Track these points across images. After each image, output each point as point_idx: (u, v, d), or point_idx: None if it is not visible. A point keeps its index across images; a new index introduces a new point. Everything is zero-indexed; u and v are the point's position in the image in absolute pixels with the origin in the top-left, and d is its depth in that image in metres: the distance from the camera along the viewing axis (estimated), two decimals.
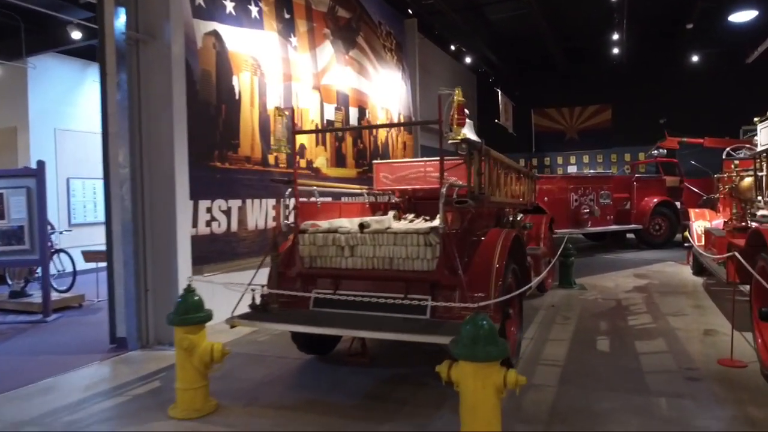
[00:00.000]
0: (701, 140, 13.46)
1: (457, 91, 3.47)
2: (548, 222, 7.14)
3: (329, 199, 6.81)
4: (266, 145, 6.64)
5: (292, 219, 3.98)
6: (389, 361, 4.51)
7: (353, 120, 9.00)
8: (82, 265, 7.97)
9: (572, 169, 18.32)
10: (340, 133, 8.51)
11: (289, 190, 4.05)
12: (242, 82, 6.32)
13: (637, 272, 9.01)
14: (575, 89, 18.06)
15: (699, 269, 8.35)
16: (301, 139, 7.44)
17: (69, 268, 7.94)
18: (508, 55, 17.12)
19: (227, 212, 6.05)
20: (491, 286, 3.61)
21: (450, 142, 3.42)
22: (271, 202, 6.66)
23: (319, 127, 7.88)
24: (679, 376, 4.03)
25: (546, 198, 10.82)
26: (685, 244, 8.68)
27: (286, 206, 4.11)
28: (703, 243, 7.89)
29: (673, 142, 13.91)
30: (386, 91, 10.40)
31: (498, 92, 13.87)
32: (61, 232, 8.66)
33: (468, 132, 5.63)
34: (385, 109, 10.29)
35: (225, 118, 6.00)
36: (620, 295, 7.16)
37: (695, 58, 16.33)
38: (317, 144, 7.86)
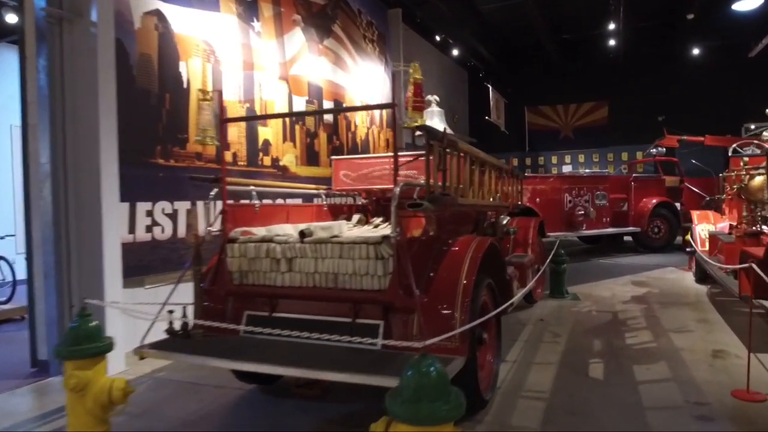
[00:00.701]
0: (702, 139, 12.95)
1: (413, 68, 2.78)
2: (537, 226, 6.45)
3: (282, 201, 6.15)
4: (223, 141, 5.93)
5: (219, 225, 3.29)
6: (344, 394, 3.81)
7: (327, 116, 8.31)
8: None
9: (567, 169, 17.65)
10: (312, 129, 7.81)
11: (215, 190, 3.35)
12: (192, 70, 5.62)
13: (635, 279, 8.33)
14: (570, 85, 17.40)
15: (702, 276, 7.68)
16: (265, 134, 6.74)
17: (9, 278, 7.22)
18: (500, 50, 16.47)
19: (173, 216, 5.34)
20: (456, 309, 2.92)
21: (404, 128, 2.73)
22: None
23: (286, 121, 7.18)
24: (687, 414, 3.34)
25: (538, 199, 10.16)
26: (687, 249, 8.01)
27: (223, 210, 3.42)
28: (707, 248, 7.24)
29: (672, 140, 13.38)
30: (366, 84, 9.70)
31: (489, 88, 13.19)
32: (2, 237, 7.94)
33: (435, 120, 4.96)
34: (365, 104, 9.58)
35: (170, 109, 5.29)
36: (617, 306, 6.47)
37: (696, 52, 15.71)
38: (285, 140, 7.16)
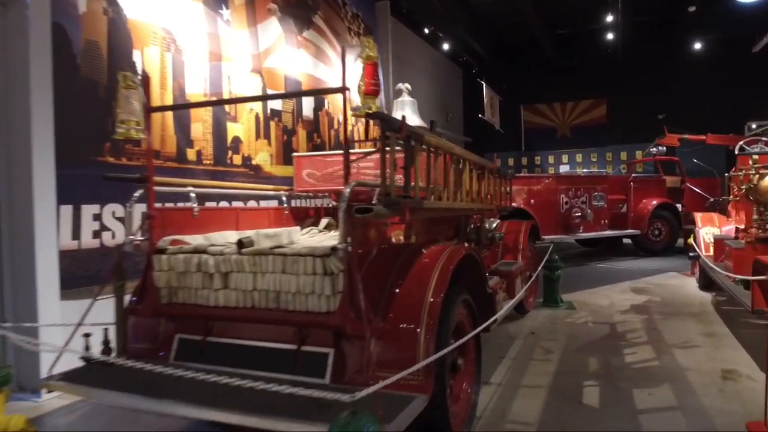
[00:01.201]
0: (703, 137, 12.56)
1: (365, 43, 2.29)
2: (528, 230, 5.95)
3: (241, 204, 5.64)
4: (183, 137, 5.44)
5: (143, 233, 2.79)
6: None
7: (307, 111, 7.80)
8: None
9: (564, 169, 17.14)
10: (289, 125, 7.31)
11: (139, 191, 2.85)
12: (148, 59, 5.12)
13: (634, 286, 7.83)
14: (567, 83, 16.86)
15: (706, 283, 7.19)
16: (235, 130, 6.24)
17: None
18: (495, 46, 15.97)
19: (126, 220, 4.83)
20: (420, 336, 2.42)
21: (354, 116, 2.24)
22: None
23: (260, 116, 6.68)
24: None
25: (532, 200, 9.67)
26: (690, 254, 7.52)
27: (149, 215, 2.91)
28: (712, 253, 6.75)
29: (673, 139, 12.94)
30: (352, 80, 9.18)
31: (482, 85, 12.69)
32: None
33: (407, 111, 4.46)
34: (350, 101, 9.08)
35: None
36: (615, 317, 5.98)
37: (697, 47, 15.22)
38: (258, 137, 6.66)
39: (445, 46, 14.96)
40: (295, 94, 8.22)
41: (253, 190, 5.11)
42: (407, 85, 4.15)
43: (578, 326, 5.62)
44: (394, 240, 2.81)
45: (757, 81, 14.43)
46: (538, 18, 12.82)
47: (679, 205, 11.50)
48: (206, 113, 5.82)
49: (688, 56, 15.56)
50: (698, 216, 7.50)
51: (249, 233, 2.87)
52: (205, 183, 3.66)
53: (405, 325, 2.46)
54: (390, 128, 2.30)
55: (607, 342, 5.00)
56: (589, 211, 10.10)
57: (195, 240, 2.95)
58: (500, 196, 5.38)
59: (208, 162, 5.80)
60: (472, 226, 4.54)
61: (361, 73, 2.38)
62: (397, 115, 4.01)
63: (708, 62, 15.36)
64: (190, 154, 5.59)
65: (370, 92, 2.34)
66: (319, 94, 7.88)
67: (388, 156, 2.29)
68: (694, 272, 8.07)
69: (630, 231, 10.84)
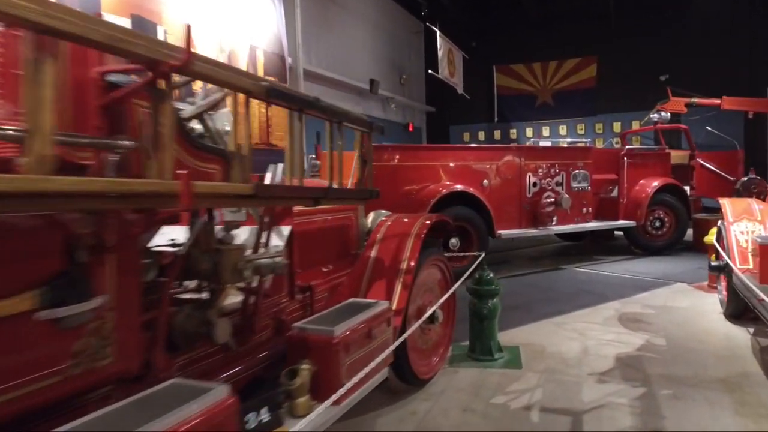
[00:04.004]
0: (718, 101, 10.11)
1: None
2: (424, 232, 3.20)
3: None
4: None
5: None
6: None
7: None
8: None
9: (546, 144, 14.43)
10: None
11: None
12: None
13: (625, 311, 5.13)
14: (549, 38, 14.15)
15: (739, 309, 4.53)
16: None
17: None
18: None
19: None
20: None
21: None
22: None
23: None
24: None
25: (485, 181, 6.94)
26: (713, 263, 4.82)
27: None
28: (752, 266, 4.11)
29: (678, 103, 10.43)
30: (225, 10, 6.43)
31: (436, 33, 9.86)
32: None
33: None
34: (219, 44, 6.31)
35: None
36: (586, 389, 3.28)
37: None
38: None
39: None
40: None
41: None
42: None
43: (515, 420, 2.92)
44: None
45: None
46: None
47: (687, 188, 8.79)
48: None
49: (695, 5, 12.92)
50: (726, 204, 4.81)
51: None
52: None
53: None
54: None
55: None
56: (565, 195, 7.39)
57: None
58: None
59: None
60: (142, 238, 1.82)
61: None
62: None
63: (719, 13, 12.78)
64: None
65: None
66: None
67: None
68: (715, 286, 5.41)
69: (622, 222, 8.11)
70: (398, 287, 2.90)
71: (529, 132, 14.76)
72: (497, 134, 14.90)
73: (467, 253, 5.84)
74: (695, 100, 10.22)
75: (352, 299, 2.67)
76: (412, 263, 2.99)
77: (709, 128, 9.52)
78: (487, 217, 6.66)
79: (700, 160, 9.36)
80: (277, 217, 2.51)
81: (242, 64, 6.58)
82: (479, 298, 3.80)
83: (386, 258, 3.05)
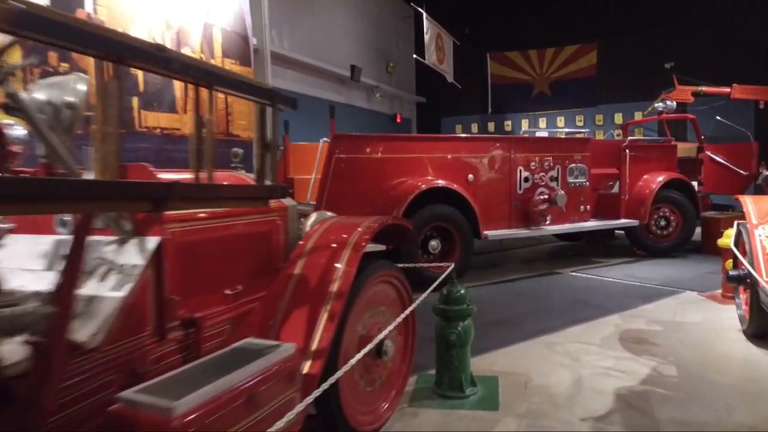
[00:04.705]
0: (728, 90, 9.44)
1: None
2: (365, 241, 2.45)
3: None
4: None
5: None
6: None
7: None
8: None
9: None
10: None
11: None
12: None
13: (627, 328, 4.39)
14: (546, 24, 13.36)
15: (763, 328, 3.81)
16: None
17: None
18: None
19: None
20: None
21: None
22: None
23: None
24: None
25: (470, 176, 6.20)
26: (731, 273, 4.07)
27: None
28: None
29: (685, 92, 9.73)
30: None
31: (422, 14, 9.09)
32: None
33: None
34: (166, 20, 5.55)
35: None
36: None
37: None
38: None
39: None
40: None
41: None
42: None
43: None
44: None
45: None
46: None
47: (695, 183, 8.04)
48: None
49: None
50: (748, 203, 4.08)
51: None
52: None
53: None
54: None
55: None
56: (561, 192, 6.65)
57: None
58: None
59: None
60: None
61: None
62: None
63: None
64: None
65: None
66: None
67: None
68: (730, 297, 4.70)
69: (624, 221, 7.36)
70: (323, 317, 2.16)
71: (525, 124, 14.03)
72: (491, 126, 14.17)
73: (435, 264, 5.12)
74: (703, 88, 9.50)
75: (247, 339, 1.93)
76: (345, 284, 2.25)
77: (719, 118, 8.78)
78: (472, 216, 5.93)
79: (709, 153, 8.62)
80: (139, 224, 1.78)
81: (194, 44, 5.81)
82: (447, 320, 3.06)
83: (312, 277, 2.31)
